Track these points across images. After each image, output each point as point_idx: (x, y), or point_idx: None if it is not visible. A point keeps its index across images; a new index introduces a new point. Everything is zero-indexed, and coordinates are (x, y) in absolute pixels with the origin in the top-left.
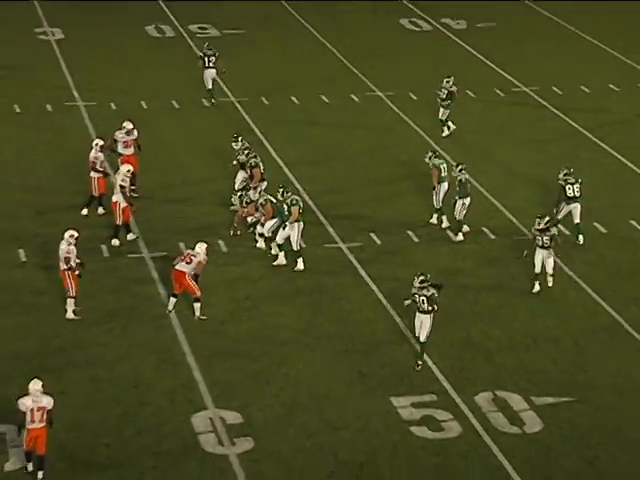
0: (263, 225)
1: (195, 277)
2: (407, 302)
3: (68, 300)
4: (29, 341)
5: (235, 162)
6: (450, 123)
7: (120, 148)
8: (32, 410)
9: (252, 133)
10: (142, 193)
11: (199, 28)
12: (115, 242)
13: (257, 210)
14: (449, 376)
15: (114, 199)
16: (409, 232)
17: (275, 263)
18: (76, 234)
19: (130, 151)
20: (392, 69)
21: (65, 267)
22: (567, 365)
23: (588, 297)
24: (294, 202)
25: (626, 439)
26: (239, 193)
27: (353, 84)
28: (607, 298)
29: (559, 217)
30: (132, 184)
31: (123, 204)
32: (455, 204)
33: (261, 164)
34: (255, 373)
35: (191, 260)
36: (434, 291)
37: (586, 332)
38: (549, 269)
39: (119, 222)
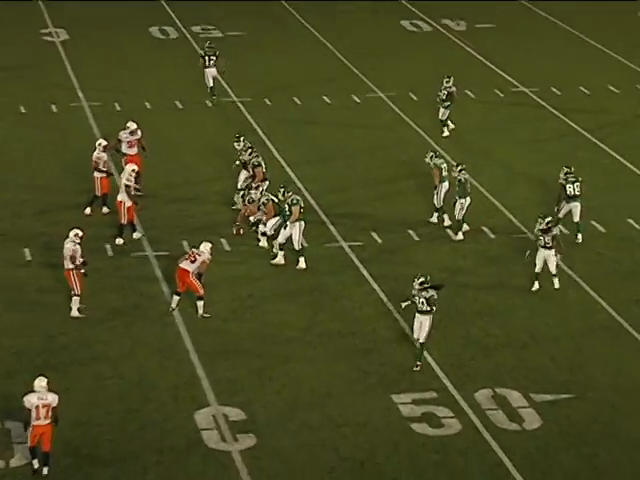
0: (265, 224)
1: (199, 276)
2: (405, 304)
3: (73, 298)
4: (34, 338)
5: (238, 162)
6: (449, 122)
7: (124, 148)
8: (37, 407)
9: (255, 133)
10: (146, 192)
11: (202, 29)
12: (119, 241)
13: (259, 209)
14: (449, 373)
15: (119, 198)
16: (410, 231)
17: (273, 262)
18: (81, 233)
19: (134, 151)
20: (393, 70)
21: (71, 266)
22: (566, 363)
23: (587, 295)
24: (295, 202)
25: (624, 436)
26: (241, 192)
27: (354, 85)
28: (606, 297)
29: (560, 216)
30: (136, 183)
31: (128, 203)
32: (455, 204)
33: (263, 163)
34: (257, 370)
35: (195, 259)
36: (433, 293)
37: (585, 330)
38: (552, 269)
39: (124, 221)
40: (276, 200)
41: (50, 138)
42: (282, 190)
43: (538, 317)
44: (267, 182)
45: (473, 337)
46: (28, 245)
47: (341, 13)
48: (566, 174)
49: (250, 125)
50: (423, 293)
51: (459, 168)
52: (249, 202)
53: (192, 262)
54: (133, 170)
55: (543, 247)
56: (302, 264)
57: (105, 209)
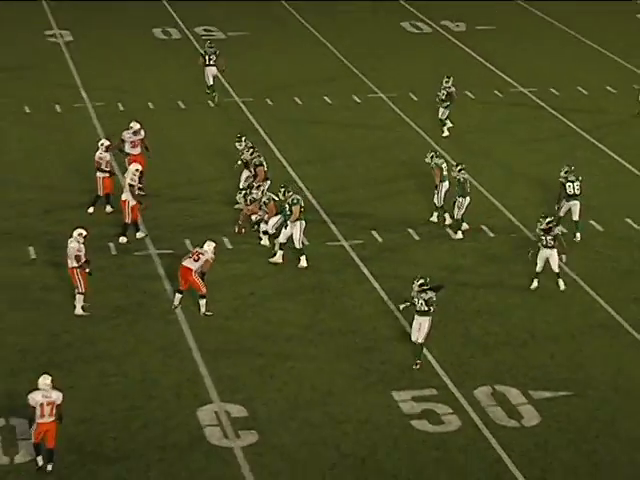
0: (267, 223)
1: (202, 275)
2: (403, 306)
3: (77, 296)
4: (39, 336)
5: (240, 162)
6: (448, 122)
7: (127, 148)
8: (42, 405)
9: (256, 133)
10: (149, 192)
11: (204, 30)
12: (123, 240)
13: (260, 208)
14: (449, 371)
15: (123, 197)
16: (410, 230)
17: (271, 260)
18: (85, 233)
19: (137, 151)
20: (393, 70)
21: (76, 265)
22: (564, 360)
23: (585, 294)
24: (295, 201)
25: (622, 433)
26: (243, 192)
27: (355, 85)
28: (604, 295)
29: (561, 214)
30: (140, 183)
31: (132, 202)
32: (455, 203)
33: (265, 163)
34: (259, 368)
35: (199, 258)
36: (432, 294)
37: (584, 328)
38: (555, 268)
39: (128, 220)
40: (277, 199)
41: (54, 138)
42: (282, 190)
43: (537, 315)
44: (269, 181)
45: (473, 335)
46: (33, 244)
47: (341, 13)
48: (566, 173)
49: (252, 125)
50: (422, 295)
51: (458, 168)
52: (250, 202)
53: (195, 261)
54: (137, 169)
55: (545, 247)
56: (303, 263)
57: (109, 208)
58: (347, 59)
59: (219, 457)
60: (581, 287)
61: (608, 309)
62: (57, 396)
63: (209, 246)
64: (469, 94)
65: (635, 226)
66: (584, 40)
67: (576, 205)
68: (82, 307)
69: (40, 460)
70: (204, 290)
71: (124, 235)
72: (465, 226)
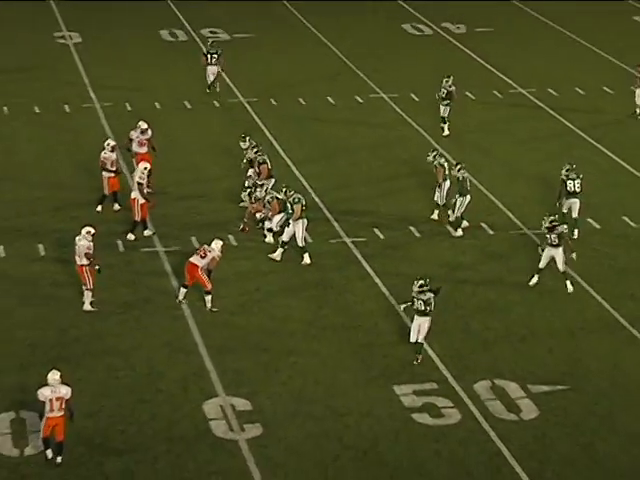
0: (271, 220)
1: (208, 272)
2: (404, 306)
3: (85, 292)
4: (48, 332)
5: (245, 160)
6: (448, 120)
7: (135, 147)
8: (51, 400)
9: (261, 132)
10: (156, 190)
11: (210, 32)
12: (131, 237)
13: (264, 207)
14: (449, 365)
15: (132, 196)
16: (411, 227)
17: (270, 255)
18: (93, 230)
19: (144, 149)
20: (395, 71)
21: (86, 263)
22: (562, 355)
23: (583, 291)
24: (296, 200)
25: (619, 426)
26: (248, 190)
27: (357, 85)
28: (601, 292)
29: (564, 210)
30: (148, 181)
31: (141, 201)
32: (455, 201)
33: (268, 161)
34: (264, 362)
35: (206, 255)
36: (431, 295)
37: (581, 324)
38: (560, 267)
39: (137, 218)
40: (280, 197)
41: (63, 137)
42: (284, 189)
43: (536, 311)
44: (273, 180)
45: (472, 330)
46: (42, 241)
47: (343, 14)
48: (567, 170)
49: (256, 125)
50: (421, 296)
51: (458, 167)
52: (255, 200)
53: (202, 257)
54: (145, 168)
55: (550, 245)
56: (307, 259)
57: (116, 206)
58: (349, 60)
59: (225, 449)
60: (579, 284)
61: (605, 305)
62: (66, 391)
63: (217, 244)
64: (469, 95)
65: (632, 224)
66: (581, 41)
67: (576, 203)
68: (90, 303)
69: (49, 453)
70: (209, 286)
71: (132, 232)
72: (465, 224)
